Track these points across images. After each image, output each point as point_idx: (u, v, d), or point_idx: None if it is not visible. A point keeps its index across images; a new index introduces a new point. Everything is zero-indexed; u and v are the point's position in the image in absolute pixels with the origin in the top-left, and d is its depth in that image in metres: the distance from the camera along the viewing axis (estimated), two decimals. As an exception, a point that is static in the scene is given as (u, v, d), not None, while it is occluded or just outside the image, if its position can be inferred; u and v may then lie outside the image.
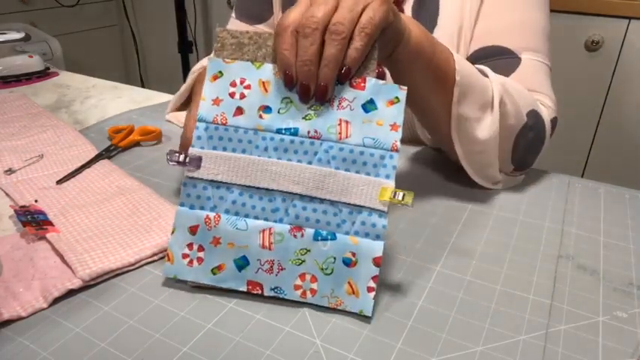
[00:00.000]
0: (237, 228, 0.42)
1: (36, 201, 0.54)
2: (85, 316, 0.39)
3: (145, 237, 0.48)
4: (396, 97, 0.43)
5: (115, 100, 0.90)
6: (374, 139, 0.42)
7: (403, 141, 0.72)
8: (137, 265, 0.45)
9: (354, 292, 0.41)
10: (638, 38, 1.36)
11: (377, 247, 0.41)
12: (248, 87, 0.44)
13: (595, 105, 1.46)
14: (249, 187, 0.43)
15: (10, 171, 0.61)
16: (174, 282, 0.43)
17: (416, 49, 0.48)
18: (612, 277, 0.46)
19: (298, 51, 0.41)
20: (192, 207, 0.43)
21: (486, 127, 0.54)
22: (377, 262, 0.41)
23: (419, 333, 0.39)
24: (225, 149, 0.43)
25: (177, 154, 0.42)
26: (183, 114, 0.79)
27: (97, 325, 0.39)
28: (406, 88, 0.43)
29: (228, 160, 0.43)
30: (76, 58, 2.11)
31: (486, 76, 0.56)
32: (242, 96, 0.43)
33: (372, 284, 0.41)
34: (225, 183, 0.43)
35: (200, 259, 0.43)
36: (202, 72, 0.71)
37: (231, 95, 0.44)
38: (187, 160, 0.43)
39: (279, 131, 0.43)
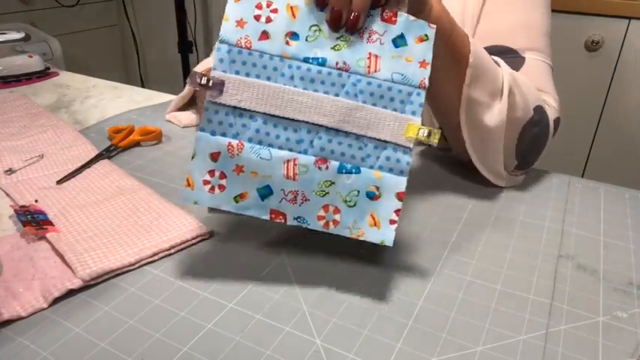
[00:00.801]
0: (260, 157, 0.42)
1: (36, 201, 0.54)
2: (85, 316, 0.39)
3: (145, 237, 0.48)
4: (426, 35, 0.43)
5: (115, 100, 0.90)
6: (402, 75, 0.42)
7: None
8: (137, 265, 0.45)
9: (375, 224, 0.42)
10: (638, 38, 1.36)
11: (400, 182, 0.42)
12: (275, 11, 0.42)
13: (595, 105, 1.46)
14: (273, 116, 0.42)
15: (10, 171, 0.61)
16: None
17: (436, 23, 0.48)
18: (612, 277, 0.46)
19: None
20: (213, 133, 0.42)
21: (494, 115, 0.55)
22: (400, 196, 0.42)
23: (419, 333, 0.39)
24: (248, 75, 0.42)
25: (199, 77, 0.41)
26: (183, 114, 0.79)
27: (97, 325, 0.39)
28: (435, 26, 0.43)
29: (252, 86, 0.41)
30: (76, 58, 2.11)
31: (498, 65, 0.56)
32: (268, 20, 0.42)
33: (395, 217, 0.42)
34: (249, 110, 0.42)
35: (222, 187, 0.42)
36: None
37: (257, 18, 0.42)
38: (210, 83, 0.41)
39: (306, 60, 0.42)
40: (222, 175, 0.42)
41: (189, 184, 0.42)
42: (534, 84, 0.62)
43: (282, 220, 0.43)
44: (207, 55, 2.15)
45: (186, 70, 2.15)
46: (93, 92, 0.94)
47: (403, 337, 0.38)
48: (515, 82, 0.56)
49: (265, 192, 0.42)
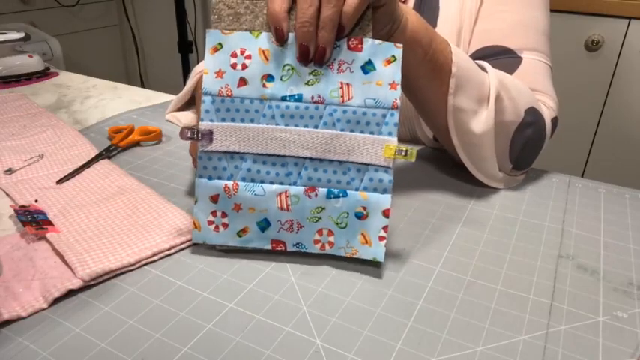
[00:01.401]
0: (255, 194, 0.45)
1: (36, 201, 0.54)
2: (85, 316, 0.39)
3: (145, 237, 0.48)
4: (393, 56, 0.44)
5: (115, 100, 0.90)
6: (375, 100, 0.44)
7: (402, 141, 0.72)
8: (137, 265, 0.45)
9: (367, 242, 0.45)
10: (638, 38, 1.35)
11: (385, 201, 0.44)
12: (248, 57, 0.44)
13: (595, 105, 1.46)
14: (261, 154, 0.45)
15: (10, 171, 0.61)
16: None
17: (412, 37, 0.49)
18: (612, 277, 0.46)
19: (297, 13, 0.42)
20: (210, 178, 0.45)
21: (481, 122, 0.55)
22: (386, 213, 0.44)
23: (419, 333, 0.39)
24: (233, 120, 0.44)
25: (188, 131, 0.44)
26: (182, 114, 0.79)
27: (97, 325, 0.39)
28: (402, 45, 0.44)
29: (237, 130, 0.44)
30: (76, 58, 2.11)
31: (485, 70, 0.56)
32: (244, 66, 0.44)
33: (383, 234, 0.44)
34: (238, 153, 0.45)
35: (225, 225, 0.46)
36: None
37: (233, 66, 0.44)
38: (199, 135, 0.44)
39: (283, 98, 0.44)
40: (224, 215, 0.46)
41: (195, 226, 0.46)
42: (531, 84, 0.62)
43: (283, 248, 0.46)
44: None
45: (186, 70, 2.15)
46: (93, 92, 0.94)
47: (403, 337, 0.38)
48: (504, 87, 0.56)
49: (264, 225, 0.46)
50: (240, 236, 0.46)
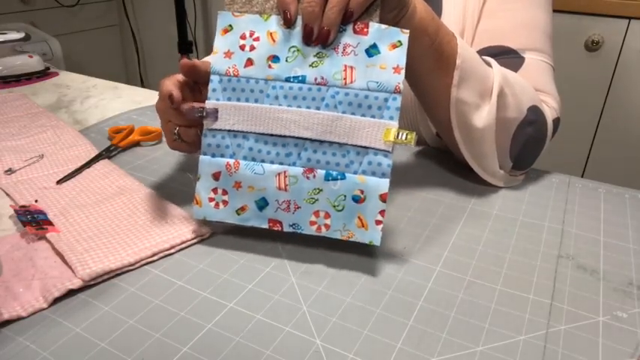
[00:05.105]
0: (255, 172, 0.45)
1: (36, 201, 0.54)
2: (85, 316, 0.39)
3: (145, 237, 0.48)
4: (399, 41, 0.44)
5: (115, 100, 0.90)
6: (377, 83, 0.44)
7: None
8: (137, 265, 0.45)
9: (363, 226, 0.45)
10: (638, 38, 1.35)
11: (383, 185, 0.44)
12: (257, 39, 0.46)
13: (595, 105, 1.46)
14: (263, 134, 0.45)
15: (10, 171, 0.61)
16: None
17: (420, 25, 0.49)
18: (612, 277, 0.46)
19: None
20: (213, 155, 0.46)
21: (483, 116, 0.55)
22: (383, 197, 0.44)
23: (419, 333, 0.39)
24: (238, 100, 0.45)
25: (195, 110, 0.45)
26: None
27: (97, 325, 0.39)
28: (408, 31, 0.44)
29: (242, 110, 0.45)
30: (76, 58, 2.11)
31: (490, 66, 0.56)
32: (252, 48, 0.46)
33: (380, 218, 0.44)
34: (242, 131, 0.46)
35: (225, 202, 0.47)
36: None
37: (242, 48, 0.46)
38: (205, 113, 0.45)
39: (287, 79, 0.45)
40: (224, 192, 0.46)
41: (197, 202, 0.47)
42: (534, 84, 0.62)
43: (279, 228, 0.46)
44: (207, 54, 2.14)
45: (186, 70, 2.15)
46: (93, 92, 0.94)
47: (403, 337, 0.38)
48: (507, 83, 0.56)
49: (262, 203, 0.46)
50: (238, 214, 0.46)
